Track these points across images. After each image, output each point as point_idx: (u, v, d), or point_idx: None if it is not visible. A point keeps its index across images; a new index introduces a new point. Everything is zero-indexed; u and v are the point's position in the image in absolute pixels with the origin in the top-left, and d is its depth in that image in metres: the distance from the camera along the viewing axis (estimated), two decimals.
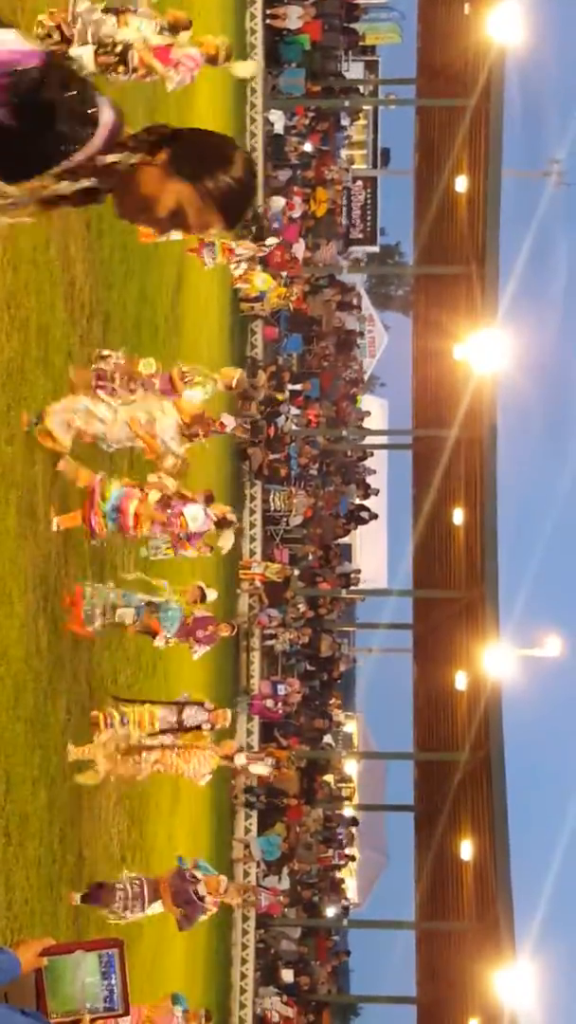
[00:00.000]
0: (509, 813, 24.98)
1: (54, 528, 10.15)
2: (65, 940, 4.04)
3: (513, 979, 23.57)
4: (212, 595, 13.79)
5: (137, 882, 11.45)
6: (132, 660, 13.77)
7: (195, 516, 12.52)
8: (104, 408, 10.48)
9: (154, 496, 11.80)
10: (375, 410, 40.49)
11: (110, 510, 11.16)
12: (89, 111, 3.29)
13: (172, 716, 12.37)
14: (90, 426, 10.38)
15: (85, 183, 3.44)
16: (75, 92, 3.26)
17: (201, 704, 12.89)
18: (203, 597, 13.45)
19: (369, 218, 37.80)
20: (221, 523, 13.24)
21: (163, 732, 12.18)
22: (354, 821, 33.44)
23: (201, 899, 12.12)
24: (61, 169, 3.34)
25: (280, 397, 29.06)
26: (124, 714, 11.82)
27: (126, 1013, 3.97)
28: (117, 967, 3.90)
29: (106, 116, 3.35)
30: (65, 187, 3.41)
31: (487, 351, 26.53)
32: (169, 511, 12.11)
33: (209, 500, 13.47)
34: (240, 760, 14.38)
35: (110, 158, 3.37)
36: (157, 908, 11.68)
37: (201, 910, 12.21)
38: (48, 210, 3.56)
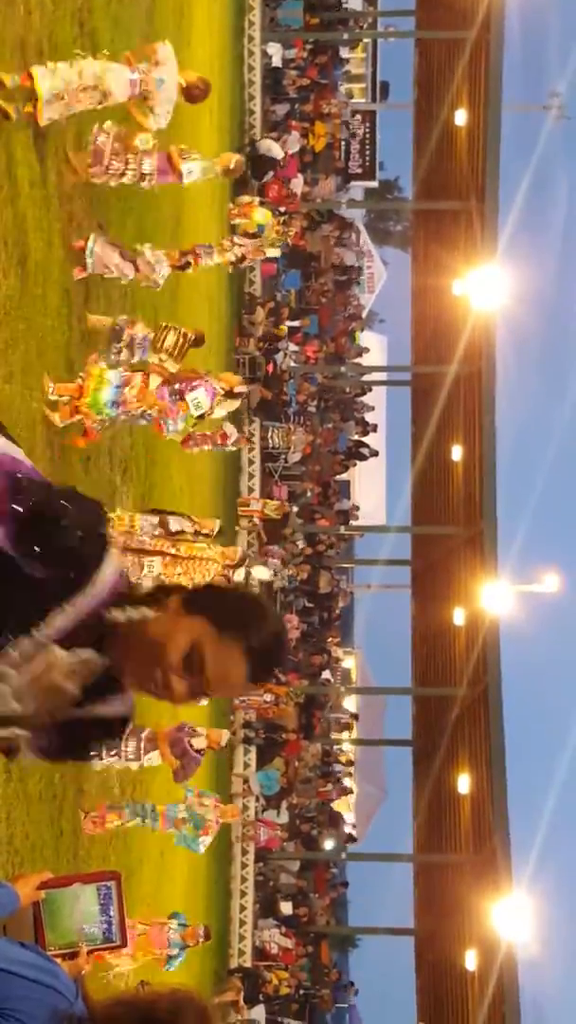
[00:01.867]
0: (506, 747, 25.19)
1: (48, 392, 10.02)
2: (64, 874, 4.08)
3: (510, 910, 23.85)
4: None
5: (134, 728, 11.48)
6: None
7: (198, 403, 12.01)
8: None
9: (155, 381, 11.54)
10: (374, 346, 40.33)
11: (109, 403, 10.85)
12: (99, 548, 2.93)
13: (153, 520, 12.02)
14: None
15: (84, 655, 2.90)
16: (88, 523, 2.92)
17: (185, 515, 12.64)
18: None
19: (368, 153, 37.43)
20: (229, 395, 12.93)
21: (149, 541, 11.78)
22: (355, 716, 34.05)
23: (199, 752, 12.09)
24: (60, 623, 2.88)
25: (279, 332, 28.95)
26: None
27: (124, 945, 4.02)
28: (115, 899, 3.94)
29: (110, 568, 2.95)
30: (62, 662, 2.89)
31: (486, 287, 26.40)
32: (170, 396, 11.77)
33: (199, 343, 13.12)
34: (240, 573, 14.03)
35: (114, 612, 2.93)
36: (155, 758, 11.64)
37: (197, 762, 12.20)
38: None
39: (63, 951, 3.80)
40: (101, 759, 10.96)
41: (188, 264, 12.98)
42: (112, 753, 11.09)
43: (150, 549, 11.67)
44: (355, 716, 36.44)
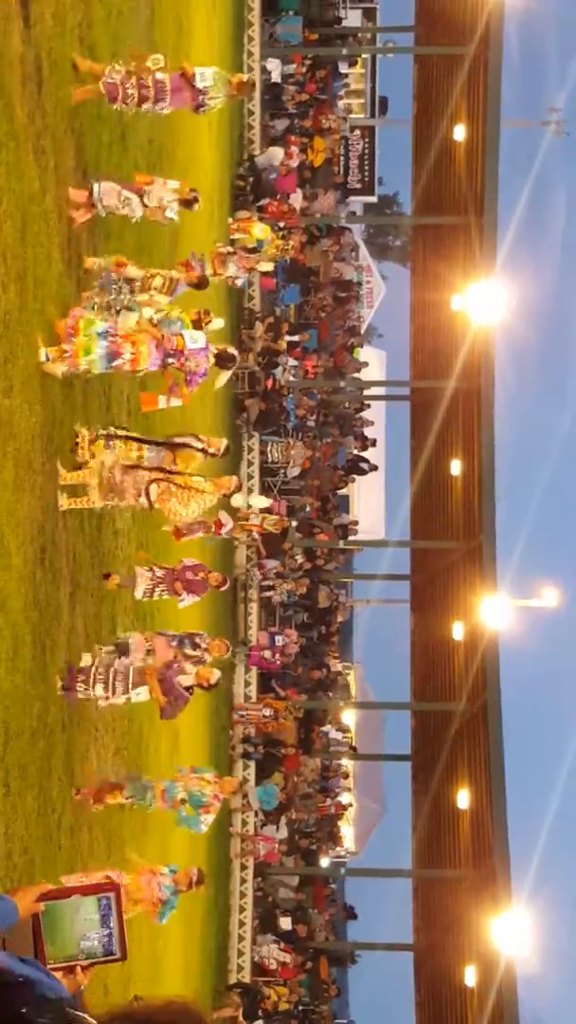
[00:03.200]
0: (505, 762, 25.14)
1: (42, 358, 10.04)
2: (63, 886, 4.07)
3: (509, 926, 23.78)
4: (218, 323, 13.39)
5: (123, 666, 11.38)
6: (129, 610, 13.81)
7: (195, 337, 11.87)
8: None
9: (147, 312, 11.47)
10: (373, 361, 40.39)
11: (101, 332, 10.78)
12: None
13: (161, 452, 12.00)
14: None
15: None
16: None
17: (192, 434, 12.62)
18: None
19: (367, 168, 37.54)
20: (221, 358, 12.88)
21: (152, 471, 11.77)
22: (353, 748, 34.06)
23: (187, 689, 11.97)
24: None
25: (278, 347, 28.97)
26: (112, 442, 11.42)
27: (124, 958, 4.00)
28: (114, 911, 3.92)
29: None
30: None
31: (485, 301, 26.43)
32: (166, 331, 11.66)
33: (201, 285, 13.15)
34: (238, 500, 13.94)
35: None
36: (143, 694, 11.51)
37: (185, 700, 12.06)
38: None
39: (63, 964, 3.78)
40: (91, 693, 10.83)
41: (196, 199, 13.05)
42: (102, 688, 10.93)
43: (146, 466, 11.66)
44: (353, 748, 36.22)
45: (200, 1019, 3.17)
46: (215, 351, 12.35)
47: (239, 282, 17.79)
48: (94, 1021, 3.15)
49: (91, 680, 10.88)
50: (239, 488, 14.12)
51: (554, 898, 31.11)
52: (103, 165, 12.56)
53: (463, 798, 26.52)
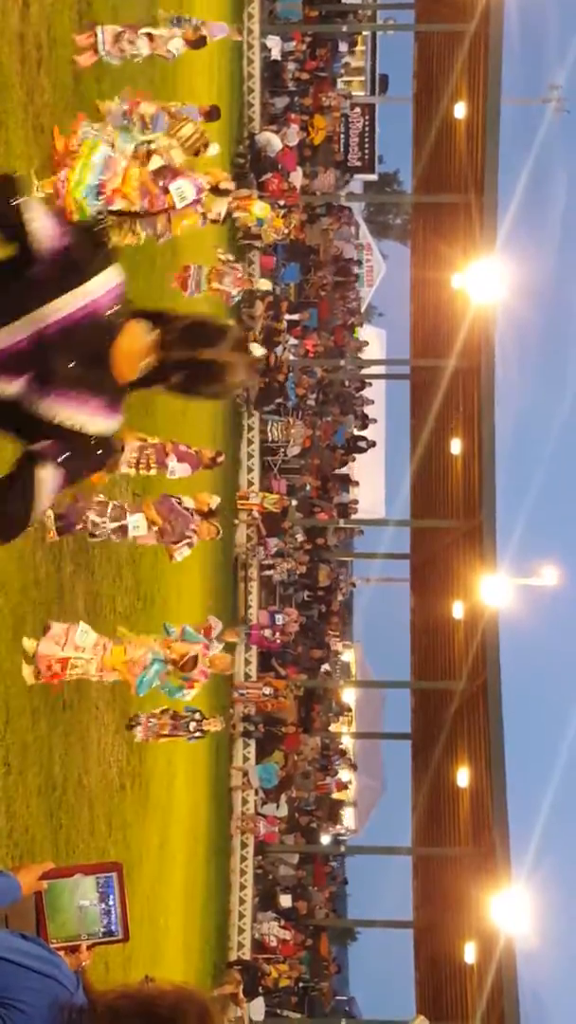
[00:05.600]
0: (505, 740, 25.20)
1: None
2: (66, 864, 4.07)
3: (508, 903, 23.88)
4: (214, 149, 13.15)
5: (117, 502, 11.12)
6: (130, 590, 13.82)
7: (183, 193, 11.60)
8: None
9: (156, 163, 11.20)
10: (373, 340, 40.29)
11: (91, 190, 10.47)
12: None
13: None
14: None
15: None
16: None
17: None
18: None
19: (367, 146, 37.37)
20: (216, 191, 12.73)
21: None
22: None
23: (188, 510, 11.77)
24: None
25: (278, 327, 28.93)
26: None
27: (126, 939, 4.00)
28: (116, 890, 3.92)
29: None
30: None
31: (485, 280, 26.38)
32: (161, 182, 11.39)
33: (213, 116, 13.02)
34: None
35: None
36: (140, 521, 11.31)
37: (187, 520, 11.81)
38: None
39: (65, 944, 3.79)
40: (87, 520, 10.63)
41: (203, 40, 12.97)
42: (96, 514, 10.78)
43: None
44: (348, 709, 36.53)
45: (205, 1007, 3.18)
46: (208, 186, 12.14)
47: (234, 298, 17.75)
48: None
49: (87, 507, 10.68)
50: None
51: (553, 876, 31.24)
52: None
53: (463, 776, 26.59)
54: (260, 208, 23.87)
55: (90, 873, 3.92)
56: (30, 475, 3.64)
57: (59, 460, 3.64)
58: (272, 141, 28.59)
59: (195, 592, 20.99)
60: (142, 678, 11.09)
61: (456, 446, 28.22)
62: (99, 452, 3.71)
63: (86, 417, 3.66)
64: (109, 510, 10.92)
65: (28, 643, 9.33)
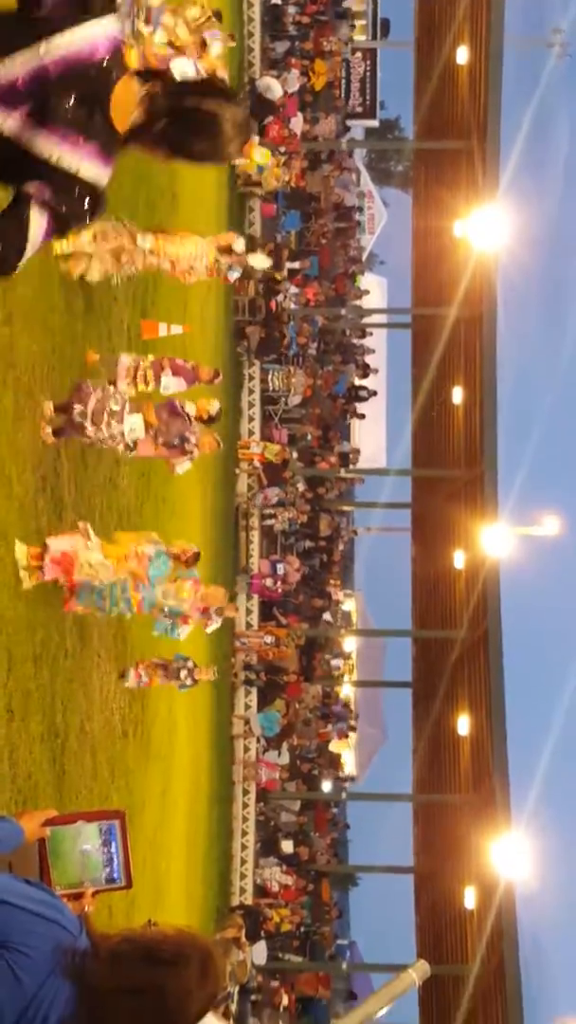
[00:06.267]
0: (505, 688, 25.31)
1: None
2: (69, 811, 4.09)
3: (508, 849, 24.06)
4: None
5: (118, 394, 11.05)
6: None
7: (184, 71, 11.53)
8: None
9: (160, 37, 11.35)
10: (374, 288, 40.08)
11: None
12: None
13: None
14: None
15: None
16: None
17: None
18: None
19: (368, 91, 37.03)
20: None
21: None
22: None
23: (188, 413, 11.71)
24: None
25: (278, 276, 28.78)
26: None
27: (129, 886, 4.02)
28: (119, 837, 3.94)
29: None
30: None
31: (487, 227, 26.21)
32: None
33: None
34: (239, 246, 13.72)
35: None
36: (137, 422, 11.17)
37: (184, 421, 11.71)
38: None
39: (68, 891, 3.81)
40: (86, 426, 10.57)
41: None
42: (93, 422, 10.61)
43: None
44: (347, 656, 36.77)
45: (208, 951, 3.21)
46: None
47: (232, 276, 17.56)
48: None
49: (86, 411, 10.56)
50: (237, 238, 14.03)
51: (553, 821, 31.44)
52: None
53: (463, 724, 26.71)
54: (260, 154, 23.71)
55: (93, 820, 3.94)
56: (20, 215, 3.71)
57: (50, 201, 3.69)
58: (272, 86, 28.33)
59: (193, 538, 20.97)
60: (152, 573, 11.12)
61: (458, 395, 28.14)
62: (89, 202, 3.79)
63: (80, 159, 3.71)
64: (107, 408, 10.82)
65: (20, 548, 9.29)
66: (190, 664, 14.36)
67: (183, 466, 12.28)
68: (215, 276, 13.66)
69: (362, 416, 35.24)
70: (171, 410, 11.59)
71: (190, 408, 11.84)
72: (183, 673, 14.16)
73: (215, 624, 14.38)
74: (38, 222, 3.72)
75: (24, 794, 8.59)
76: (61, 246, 10.59)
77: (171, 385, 12.17)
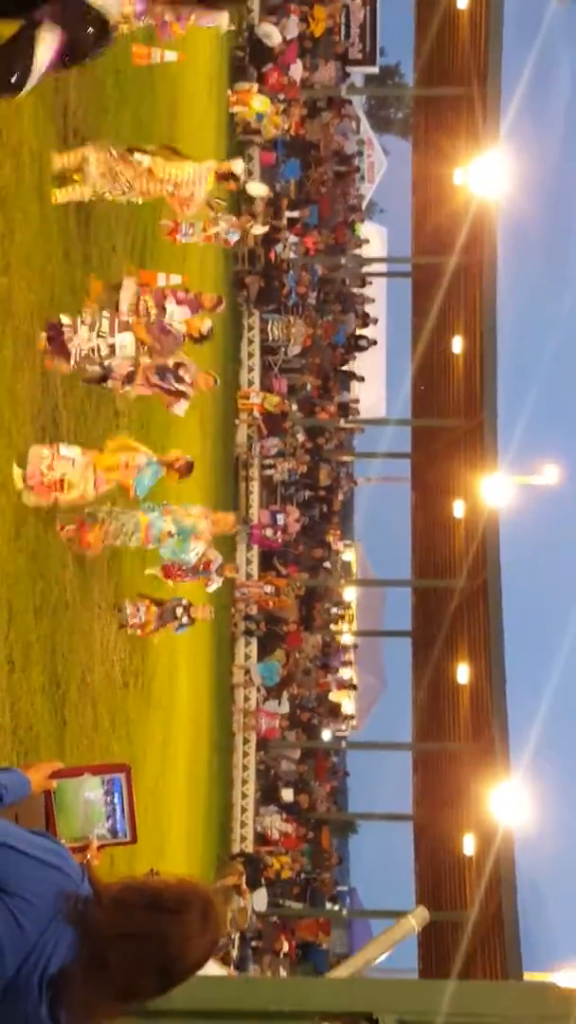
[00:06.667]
0: (505, 637, 25.40)
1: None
2: (76, 764, 4.11)
3: (507, 796, 24.23)
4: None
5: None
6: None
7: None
8: None
9: None
10: (374, 237, 39.85)
11: None
12: None
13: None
14: None
15: None
16: None
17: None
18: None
19: (368, 38, 36.67)
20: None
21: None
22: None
23: (179, 331, 11.59)
24: None
25: (278, 225, 28.62)
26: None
27: (134, 841, 4.04)
28: (123, 790, 3.95)
29: None
30: None
31: (488, 175, 26.04)
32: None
33: None
34: (238, 168, 13.72)
35: None
36: (128, 343, 10.99)
37: (177, 340, 11.60)
38: None
39: (73, 844, 3.82)
40: (77, 334, 10.40)
41: None
42: (87, 330, 10.55)
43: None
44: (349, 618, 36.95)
45: (209, 899, 3.24)
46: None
47: (232, 238, 17.41)
48: None
49: (75, 326, 10.44)
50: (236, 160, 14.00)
51: (551, 768, 31.64)
52: None
53: (463, 673, 26.84)
54: (260, 102, 23.51)
55: (99, 773, 3.95)
56: (30, 36, 3.89)
57: (58, 20, 3.85)
58: (272, 33, 28.04)
59: (193, 494, 20.99)
60: (139, 479, 10.86)
61: (457, 344, 28.05)
62: (95, 32, 3.96)
63: None
64: (97, 326, 10.73)
65: (17, 470, 9.23)
66: (185, 602, 14.19)
67: (181, 407, 12.10)
68: (213, 243, 13.55)
69: (361, 379, 35.14)
70: (161, 328, 11.45)
71: (180, 327, 11.70)
72: (179, 611, 13.99)
73: (216, 584, 14.39)
74: (46, 44, 3.87)
75: (25, 745, 8.64)
76: (61, 159, 10.55)
77: (176, 313, 11.96)
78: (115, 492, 10.98)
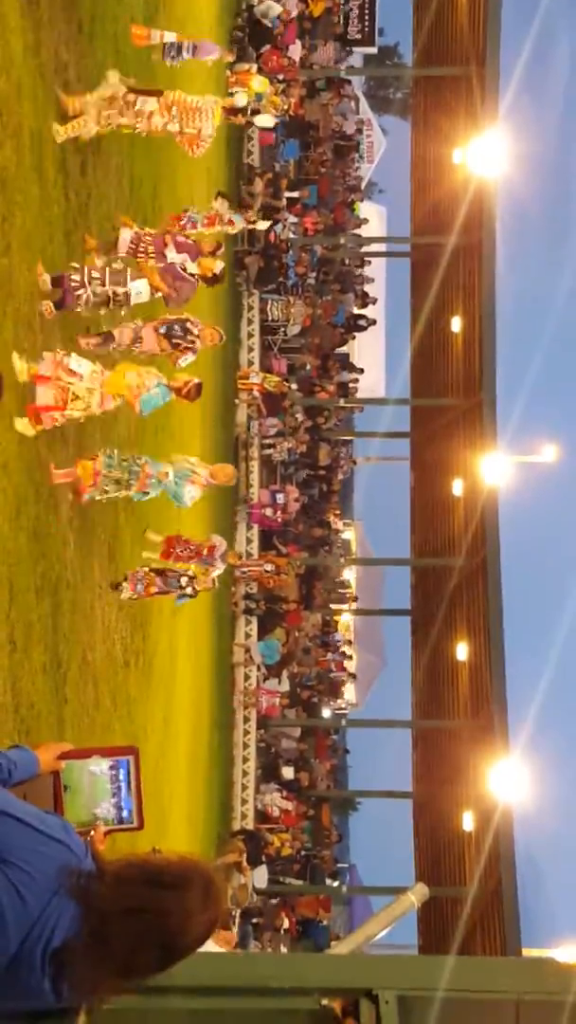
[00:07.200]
0: (504, 615, 25.42)
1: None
2: (86, 746, 4.09)
3: (506, 773, 24.29)
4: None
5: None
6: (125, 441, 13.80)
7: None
8: None
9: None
10: (373, 217, 39.78)
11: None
12: None
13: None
14: None
15: None
16: None
17: None
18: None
19: (367, 18, 36.51)
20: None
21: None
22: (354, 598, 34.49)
23: (193, 276, 11.51)
24: None
25: (277, 205, 28.55)
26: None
27: (140, 827, 4.01)
28: (132, 775, 3.93)
29: None
30: None
31: (487, 154, 25.97)
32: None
33: None
34: (240, 101, 13.71)
35: None
36: (143, 287, 10.90)
37: (192, 286, 11.50)
38: None
39: (80, 830, 3.80)
40: (85, 285, 10.34)
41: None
42: (96, 279, 10.47)
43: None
44: (355, 598, 36.95)
45: (210, 876, 3.25)
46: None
47: (237, 223, 17.25)
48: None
49: (86, 278, 10.34)
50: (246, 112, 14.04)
51: (550, 744, 31.70)
52: (99, 19, 12.23)
53: (462, 651, 26.88)
54: (259, 83, 23.37)
55: (107, 756, 3.94)
56: None
57: None
58: (271, 9, 27.94)
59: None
60: (146, 398, 10.82)
61: (456, 324, 28.01)
62: None
63: None
64: (108, 275, 10.64)
65: (18, 362, 9.13)
66: (190, 572, 14.08)
67: (186, 359, 11.95)
68: (215, 226, 13.43)
69: (361, 371, 35.10)
70: (175, 274, 11.33)
71: (193, 269, 11.58)
72: (183, 580, 13.84)
73: (219, 569, 14.34)
74: None
75: (27, 724, 8.66)
76: (70, 102, 10.58)
77: (176, 260, 11.82)
78: (119, 441, 10.92)
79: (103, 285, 10.50)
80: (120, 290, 10.67)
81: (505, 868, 23.83)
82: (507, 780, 24.26)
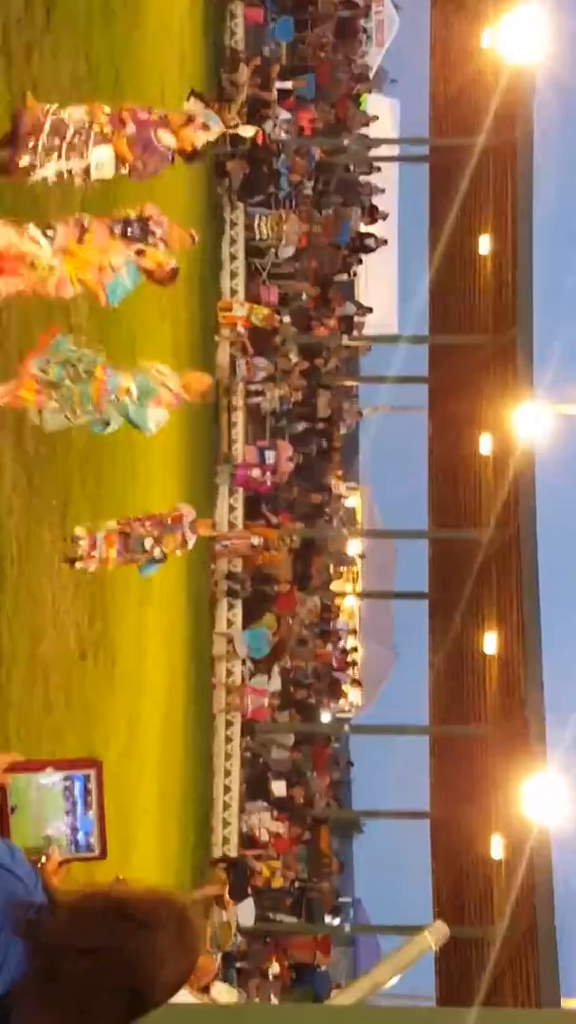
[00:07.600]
0: (541, 599, 25.50)
1: None
2: (38, 758, 4.08)
3: (542, 789, 24.38)
4: None
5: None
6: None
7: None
8: None
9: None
10: (383, 113, 39.72)
11: None
12: None
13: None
14: None
15: None
16: None
17: None
18: None
19: None
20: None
21: None
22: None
23: (167, 148, 11.10)
24: None
25: (267, 97, 28.49)
26: None
27: (103, 856, 4.01)
28: (93, 794, 3.92)
29: None
30: None
31: (522, 36, 25.89)
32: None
33: None
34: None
35: None
36: (107, 156, 10.59)
37: (164, 158, 11.13)
38: None
39: (32, 856, 3.79)
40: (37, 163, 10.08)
41: None
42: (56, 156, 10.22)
43: None
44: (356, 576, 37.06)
45: (183, 912, 3.28)
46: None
47: (213, 126, 17.03)
48: None
49: (38, 143, 10.09)
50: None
51: None
52: None
53: (490, 642, 26.95)
54: None
55: (63, 769, 3.94)
56: None
57: None
58: None
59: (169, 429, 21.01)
60: (114, 284, 10.54)
61: (485, 244, 27.99)
62: None
63: None
64: (67, 139, 10.42)
65: None
66: (157, 534, 13.93)
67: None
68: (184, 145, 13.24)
69: (360, 261, 35.07)
70: (145, 144, 11.07)
71: (168, 140, 11.33)
72: (148, 542, 13.73)
73: (189, 544, 14.35)
74: None
75: None
76: None
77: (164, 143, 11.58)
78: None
79: (60, 156, 10.24)
80: (77, 163, 10.40)
81: (541, 904, 23.96)
82: (543, 798, 24.36)
